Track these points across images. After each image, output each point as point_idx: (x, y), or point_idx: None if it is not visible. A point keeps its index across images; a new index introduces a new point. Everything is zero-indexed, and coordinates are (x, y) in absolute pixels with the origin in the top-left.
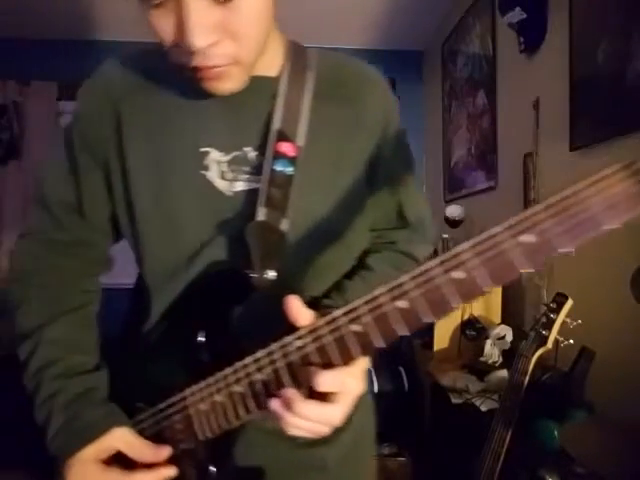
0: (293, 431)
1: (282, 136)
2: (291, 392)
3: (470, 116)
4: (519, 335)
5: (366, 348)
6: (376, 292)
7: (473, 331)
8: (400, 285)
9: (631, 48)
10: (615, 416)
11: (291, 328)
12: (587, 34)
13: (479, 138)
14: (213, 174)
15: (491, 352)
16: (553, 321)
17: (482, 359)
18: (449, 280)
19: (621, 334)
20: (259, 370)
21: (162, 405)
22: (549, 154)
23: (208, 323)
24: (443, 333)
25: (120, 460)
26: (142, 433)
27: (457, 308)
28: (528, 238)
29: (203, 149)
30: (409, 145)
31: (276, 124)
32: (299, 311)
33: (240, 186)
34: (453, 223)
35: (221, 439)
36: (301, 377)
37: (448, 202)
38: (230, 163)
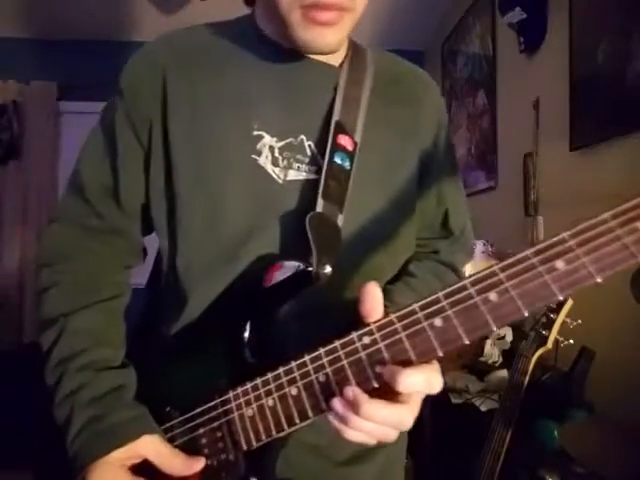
0: (352, 436)
1: (341, 129)
2: (357, 391)
3: (470, 116)
4: (519, 335)
5: (446, 345)
6: (456, 286)
7: None
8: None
9: (631, 48)
10: (615, 416)
11: (351, 324)
12: (587, 34)
13: (479, 138)
14: (265, 160)
15: (491, 352)
16: (553, 321)
17: (482, 359)
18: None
19: (621, 334)
20: (318, 370)
21: (198, 410)
22: (549, 154)
23: (254, 319)
24: None
25: (146, 469)
26: (173, 441)
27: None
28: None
29: (256, 132)
30: (455, 152)
31: (336, 115)
32: (376, 304)
33: (292, 175)
34: None
35: (264, 451)
36: (368, 377)
37: None
38: (283, 150)
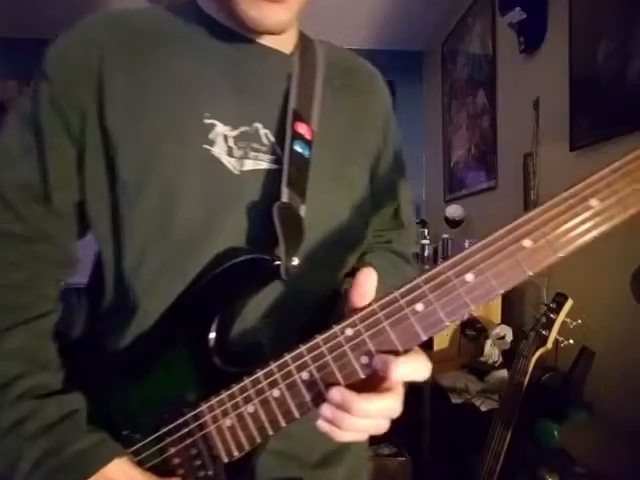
0: (345, 436)
1: (299, 117)
2: (344, 392)
3: (470, 116)
4: (519, 335)
5: (428, 329)
6: (434, 270)
7: (473, 331)
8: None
9: (631, 48)
10: (615, 416)
11: (318, 316)
12: (587, 34)
13: (479, 138)
14: (220, 150)
15: (491, 352)
16: (553, 321)
17: (482, 359)
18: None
19: (621, 334)
20: (301, 368)
21: (165, 429)
22: (549, 154)
23: (220, 320)
24: (443, 333)
25: None
26: (140, 466)
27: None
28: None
29: (208, 121)
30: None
31: (293, 103)
32: (369, 290)
33: (249, 165)
34: (453, 223)
35: (245, 460)
36: (354, 369)
37: (448, 202)
38: (238, 139)
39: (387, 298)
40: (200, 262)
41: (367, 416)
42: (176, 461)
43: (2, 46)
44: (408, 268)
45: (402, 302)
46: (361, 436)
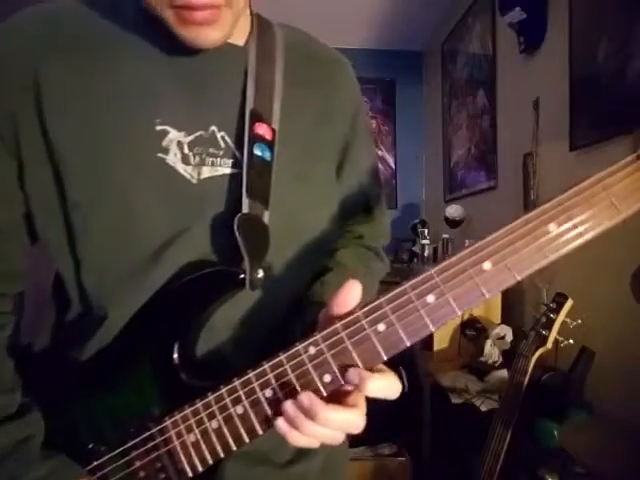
0: (299, 441)
1: (258, 117)
2: (313, 398)
3: (470, 116)
4: (519, 335)
5: (389, 350)
6: (397, 290)
7: (473, 331)
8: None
9: (631, 48)
10: (615, 416)
11: (286, 325)
12: (587, 34)
13: (479, 138)
14: (175, 158)
15: (491, 352)
16: (553, 321)
17: (482, 359)
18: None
19: (621, 334)
20: (264, 386)
21: (131, 442)
22: (549, 154)
23: (183, 335)
24: (443, 333)
25: None
26: (106, 479)
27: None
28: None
29: (160, 127)
30: (371, 133)
31: (250, 103)
32: (351, 301)
33: (207, 172)
34: (453, 223)
35: (210, 472)
36: (317, 388)
37: (448, 202)
38: (193, 145)
39: (350, 317)
40: (164, 275)
41: (330, 426)
42: (141, 474)
43: None
44: (379, 264)
45: (364, 322)
46: (315, 444)
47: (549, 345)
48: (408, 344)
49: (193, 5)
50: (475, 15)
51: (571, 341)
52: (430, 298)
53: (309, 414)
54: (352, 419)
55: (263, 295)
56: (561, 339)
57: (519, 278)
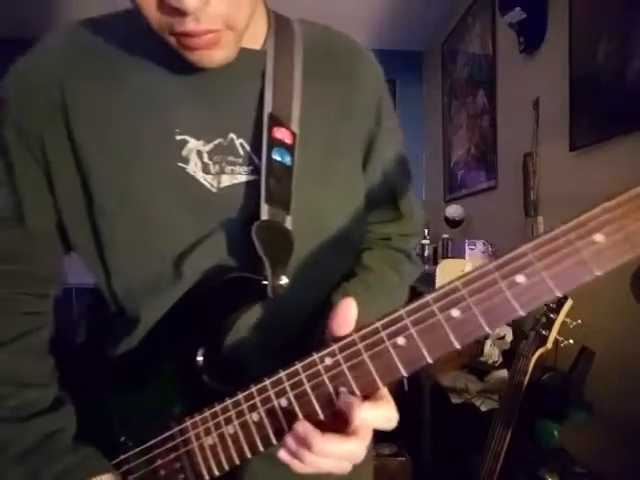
0: (307, 470)
1: (276, 121)
2: (308, 427)
3: (470, 116)
4: (519, 335)
5: (409, 365)
6: (418, 302)
7: None
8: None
9: (631, 48)
10: (615, 416)
11: (310, 332)
12: (587, 34)
13: (479, 138)
14: (195, 167)
15: (491, 352)
16: (553, 321)
17: (482, 359)
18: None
19: (621, 334)
20: (280, 394)
21: (154, 440)
22: (549, 154)
23: (207, 339)
24: None
25: None
26: (129, 474)
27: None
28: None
29: (179, 137)
30: (400, 128)
31: (268, 107)
32: (348, 321)
33: (226, 180)
34: (453, 223)
35: (229, 475)
36: (332, 400)
37: (448, 202)
38: (212, 153)
39: (368, 329)
40: (186, 281)
41: (327, 456)
42: (162, 473)
43: (2, 46)
44: (409, 267)
45: (383, 334)
46: (321, 472)
47: (549, 345)
48: (430, 361)
49: (190, 33)
50: (475, 15)
51: (571, 341)
52: (455, 312)
53: (305, 444)
54: (348, 448)
55: (288, 300)
56: (561, 339)
57: (559, 293)
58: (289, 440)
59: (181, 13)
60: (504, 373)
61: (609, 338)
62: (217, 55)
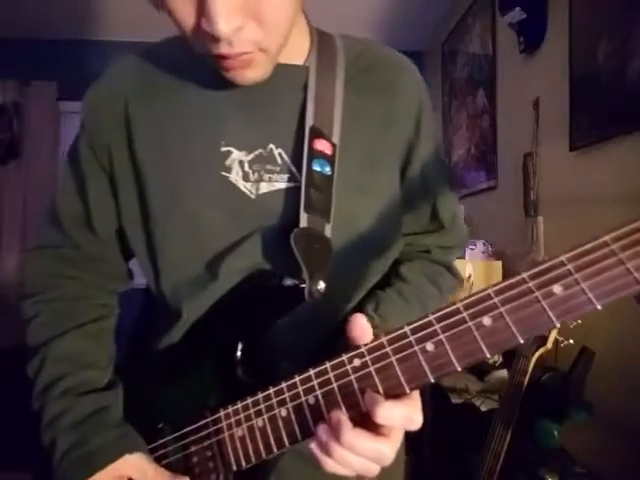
0: (333, 467)
1: (317, 133)
2: (342, 417)
3: (470, 116)
4: None
5: (437, 371)
6: (449, 309)
7: None
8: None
9: (631, 48)
10: (615, 416)
11: (343, 346)
12: (587, 34)
13: (479, 138)
14: (236, 176)
15: None
16: None
17: None
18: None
19: (621, 334)
20: (308, 392)
21: (189, 428)
22: (549, 154)
23: (245, 337)
24: None
25: None
26: (166, 458)
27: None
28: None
29: (224, 149)
30: (440, 138)
31: (309, 120)
32: (364, 331)
33: (264, 187)
34: None
35: (255, 471)
36: (358, 401)
37: None
38: (252, 163)
39: (397, 333)
40: (225, 282)
41: (355, 451)
42: (195, 459)
43: (2, 46)
44: (448, 281)
45: (412, 339)
46: (349, 472)
47: (549, 345)
48: (459, 369)
49: (224, 55)
50: (475, 15)
51: (571, 341)
52: (486, 320)
53: (335, 434)
54: (376, 447)
55: (325, 304)
56: (561, 339)
57: (599, 307)
58: (320, 430)
59: (215, 38)
60: (504, 373)
61: (609, 338)
62: (250, 74)
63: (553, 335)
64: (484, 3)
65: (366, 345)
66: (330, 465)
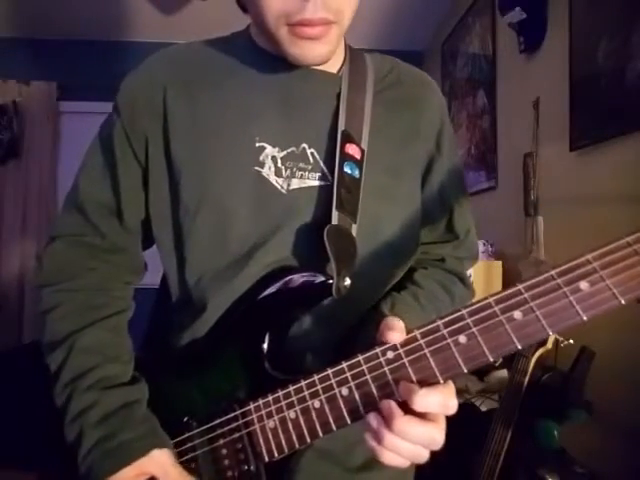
0: (388, 458)
1: (349, 138)
2: (393, 405)
3: (470, 116)
4: None
5: (470, 362)
6: (480, 304)
7: None
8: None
9: (631, 48)
10: (615, 416)
11: (366, 332)
12: (587, 34)
13: (479, 138)
14: (269, 171)
15: None
16: None
17: None
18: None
19: (621, 334)
20: (341, 383)
21: (218, 421)
22: (549, 154)
23: (272, 330)
24: None
25: None
26: (192, 452)
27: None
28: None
29: (258, 144)
30: (458, 152)
31: (341, 125)
32: (398, 332)
33: (296, 183)
34: None
35: (284, 461)
36: (392, 392)
37: None
38: (285, 159)
39: (430, 326)
40: (253, 274)
41: (406, 437)
42: (223, 452)
43: (2, 46)
44: (461, 290)
45: (445, 332)
46: (403, 462)
47: (549, 345)
48: (491, 359)
49: (309, 21)
50: (475, 15)
51: (571, 341)
52: (517, 314)
53: (387, 421)
54: (426, 432)
55: (349, 301)
56: (561, 339)
57: (623, 301)
58: (371, 418)
59: (303, 1)
60: (504, 373)
61: (609, 338)
62: (321, 50)
63: (553, 335)
64: (484, 3)
65: (400, 340)
66: (385, 455)
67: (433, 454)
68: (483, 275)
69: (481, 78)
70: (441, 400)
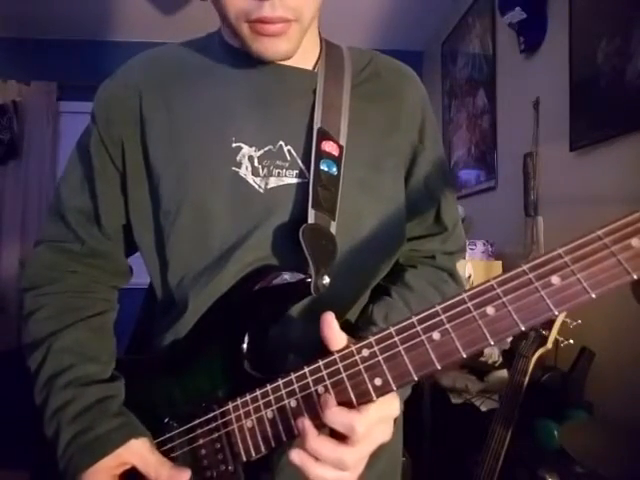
0: (314, 476)
1: (325, 135)
2: (307, 424)
3: (470, 116)
4: (519, 335)
5: (444, 359)
6: (454, 300)
7: None
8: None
9: (631, 48)
10: (615, 416)
11: (347, 330)
12: (587, 34)
13: (479, 138)
14: (246, 170)
15: (491, 352)
16: (553, 321)
17: (482, 359)
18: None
19: (621, 334)
20: (317, 382)
21: (197, 421)
22: (549, 154)
23: (251, 330)
24: None
25: (137, 476)
26: (172, 452)
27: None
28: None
29: (235, 144)
30: (442, 142)
31: (317, 122)
32: (334, 334)
33: (273, 182)
34: None
35: (263, 462)
36: (367, 390)
37: None
38: (262, 158)
39: (404, 323)
40: (232, 274)
41: (316, 456)
42: (202, 452)
43: (2, 46)
44: (452, 287)
45: (419, 328)
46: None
47: (549, 345)
48: (464, 355)
49: (266, 19)
50: (475, 15)
51: (571, 341)
52: (490, 310)
53: (301, 439)
54: (338, 454)
55: (327, 298)
56: (561, 339)
57: (593, 295)
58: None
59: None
60: (504, 373)
61: (609, 338)
62: (282, 46)
63: (553, 335)
64: (484, 3)
65: (375, 335)
66: (308, 473)
67: (433, 454)
68: (483, 275)
69: (481, 78)
70: (347, 421)
